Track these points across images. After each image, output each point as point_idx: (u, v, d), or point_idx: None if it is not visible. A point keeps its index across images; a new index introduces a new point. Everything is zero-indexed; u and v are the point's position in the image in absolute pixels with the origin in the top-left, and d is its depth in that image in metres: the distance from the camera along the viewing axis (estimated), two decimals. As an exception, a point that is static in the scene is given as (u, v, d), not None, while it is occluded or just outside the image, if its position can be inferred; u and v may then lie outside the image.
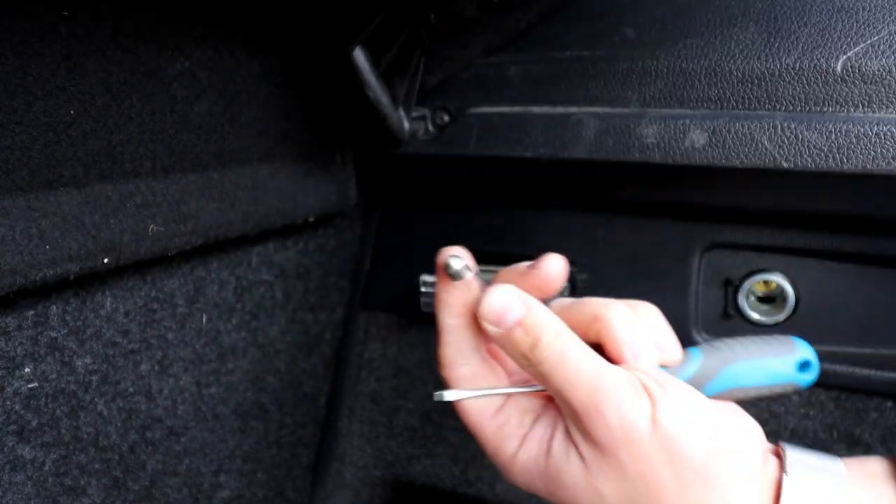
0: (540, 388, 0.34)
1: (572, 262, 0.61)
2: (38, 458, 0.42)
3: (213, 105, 0.46)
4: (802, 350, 0.39)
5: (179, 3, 0.41)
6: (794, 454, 0.33)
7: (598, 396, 0.31)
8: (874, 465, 0.33)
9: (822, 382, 0.56)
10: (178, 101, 0.43)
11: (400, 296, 0.72)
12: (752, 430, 0.35)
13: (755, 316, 0.57)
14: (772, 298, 0.57)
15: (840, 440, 0.58)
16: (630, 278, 0.60)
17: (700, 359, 0.37)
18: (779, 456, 0.34)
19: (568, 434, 0.33)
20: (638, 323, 0.35)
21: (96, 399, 0.45)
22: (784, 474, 0.32)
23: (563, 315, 0.35)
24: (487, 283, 0.36)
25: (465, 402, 0.34)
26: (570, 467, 0.32)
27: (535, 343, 0.32)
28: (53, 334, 0.41)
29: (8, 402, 0.39)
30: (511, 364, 0.38)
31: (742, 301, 0.57)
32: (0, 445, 0.39)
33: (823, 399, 0.58)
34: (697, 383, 0.36)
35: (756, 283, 0.57)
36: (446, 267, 0.35)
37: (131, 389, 0.48)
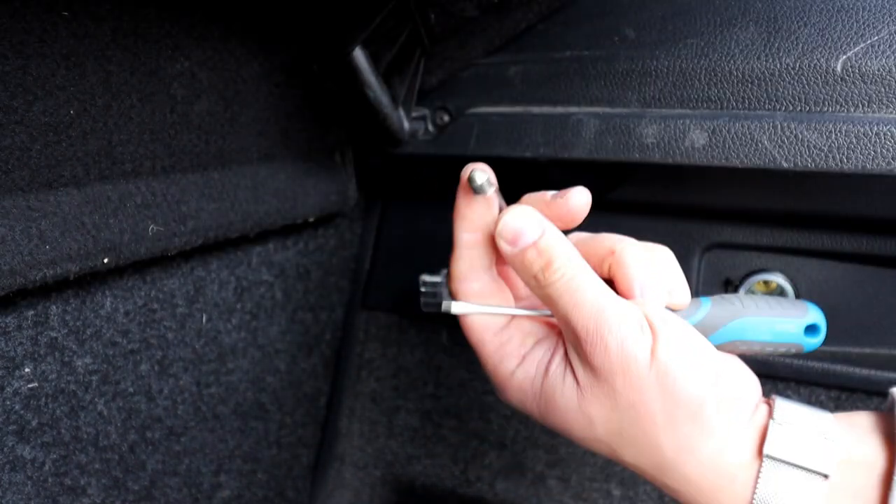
0: (545, 313, 0.35)
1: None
2: (37, 458, 0.42)
3: (213, 105, 0.46)
4: (813, 314, 0.39)
5: (179, 3, 0.41)
6: (783, 403, 0.34)
7: (602, 323, 0.31)
8: (861, 418, 0.33)
9: (822, 382, 0.56)
10: (178, 101, 0.43)
11: (400, 296, 0.72)
12: (748, 379, 0.35)
13: (755, 316, 0.57)
14: (772, 298, 0.57)
15: (840, 440, 0.58)
16: (630, 278, 0.60)
17: (708, 308, 0.38)
18: (770, 406, 0.34)
19: (566, 359, 0.33)
20: (651, 263, 0.35)
21: (96, 399, 0.45)
22: (771, 420, 0.32)
23: (579, 247, 0.35)
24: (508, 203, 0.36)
25: (471, 317, 0.35)
26: (564, 390, 0.33)
27: (547, 265, 0.32)
28: (53, 334, 0.41)
29: (8, 402, 0.39)
30: (519, 288, 0.38)
31: (742, 301, 0.57)
32: (0, 445, 0.39)
33: (823, 399, 0.58)
34: (703, 331, 0.37)
35: (756, 283, 0.57)
36: (470, 180, 0.35)
37: (131, 389, 0.48)
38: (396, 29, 0.48)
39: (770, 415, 0.33)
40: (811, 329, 0.39)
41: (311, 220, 0.58)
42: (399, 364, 0.75)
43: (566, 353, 0.34)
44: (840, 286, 0.55)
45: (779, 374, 0.57)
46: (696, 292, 0.58)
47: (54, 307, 0.41)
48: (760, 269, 0.56)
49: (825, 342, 0.57)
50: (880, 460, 0.30)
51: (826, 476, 0.30)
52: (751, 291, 0.57)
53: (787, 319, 0.38)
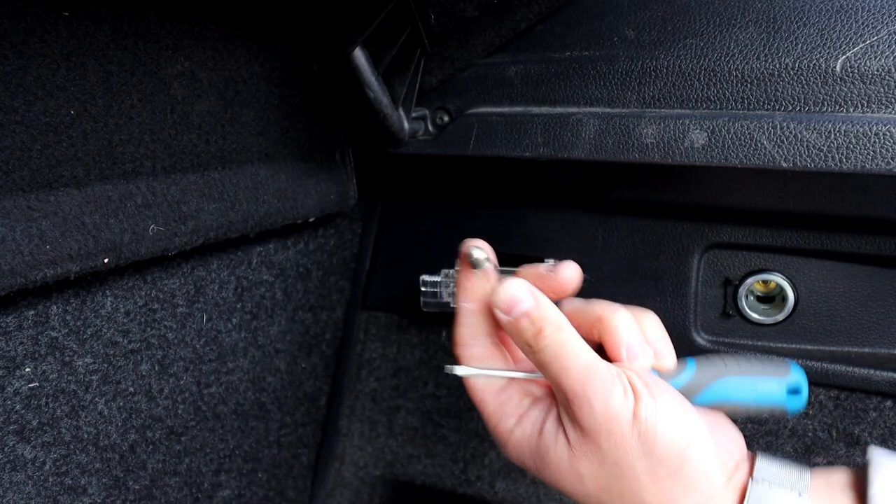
0: (539, 376, 0.38)
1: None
2: (38, 458, 0.42)
3: (213, 105, 0.46)
4: (796, 375, 0.40)
5: (179, 3, 0.41)
6: (762, 464, 0.36)
7: (588, 385, 0.34)
8: (838, 476, 0.36)
9: (822, 382, 0.56)
10: (178, 101, 0.43)
11: (400, 296, 0.72)
12: (731, 437, 0.38)
13: (754, 316, 0.57)
14: (771, 298, 0.57)
15: (839, 439, 0.58)
16: (630, 278, 0.60)
17: (693, 370, 0.40)
18: (751, 462, 0.37)
19: (559, 419, 0.36)
20: (637, 328, 0.39)
21: (96, 399, 0.45)
22: (750, 478, 0.35)
23: (571, 314, 0.38)
24: (505, 275, 0.40)
25: (473, 379, 0.39)
26: (557, 448, 0.36)
27: (539, 332, 0.36)
28: (54, 334, 0.41)
29: (8, 402, 0.39)
30: (518, 352, 0.42)
31: (741, 301, 0.57)
32: (0, 445, 0.39)
33: (823, 398, 0.58)
34: (688, 392, 0.39)
35: (755, 283, 0.57)
36: (468, 256, 0.39)
37: (131, 389, 0.48)
38: (396, 29, 0.48)
39: (750, 473, 0.35)
40: (795, 391, 0.40)
41: (312, 220, 0.58)
42: (399, 364, 0.75)
43: (558, 414, 0.37)
44: (840, 286, 0.55)
45: (778, 374, 0.57)
46: (696, 292, 0.58)
47: (55, 307, 0.41)
48: (760, 269, 0.56)
49: (825, 342, 0.57)
50: None
51: None
52: (750, 291, 0.57)
53: (769, 378, 0.39)
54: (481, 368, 0.39)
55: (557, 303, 0.38)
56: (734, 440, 0.39)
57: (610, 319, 0.38)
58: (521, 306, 0.36)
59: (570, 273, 0.39)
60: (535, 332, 0.36)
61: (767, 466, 0.36)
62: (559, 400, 0.36)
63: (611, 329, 0.38)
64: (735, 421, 0.42)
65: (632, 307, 0.40)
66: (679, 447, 0.34)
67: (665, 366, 0.39)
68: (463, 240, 0.41)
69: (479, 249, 0.39)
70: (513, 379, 0.39)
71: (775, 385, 0.39)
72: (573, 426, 0.35)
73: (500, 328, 0.39)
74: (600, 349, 0.38)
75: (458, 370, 0.38)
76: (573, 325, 0.38)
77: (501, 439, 0.38)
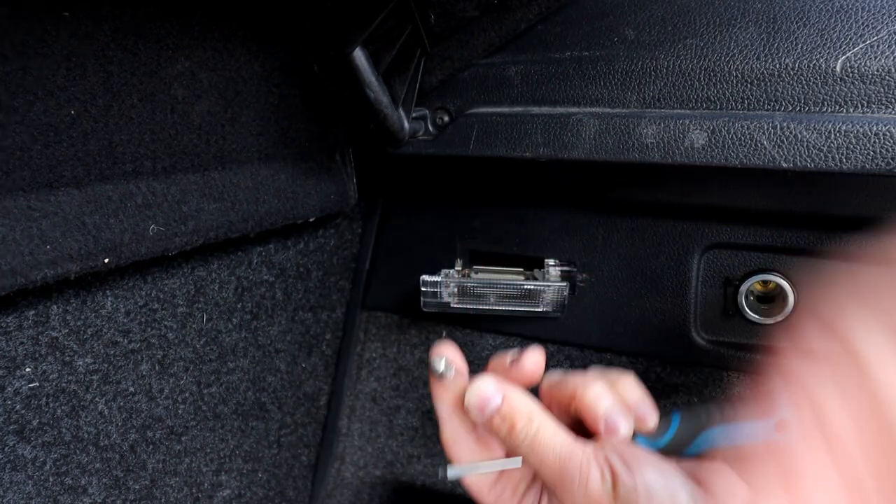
0: (519, 464, 0.39)
1: (572, 262, 0.62)
2: (38, 458, 0.42)
3: (213, 105, 0.46)
4: (784, 412, 0.39)
5: (179, 3, 0.41)
6: None
7: (565, 475, 0.35)
8: None
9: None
10: (178, 101, 0.43)
11: (400, 296, 0.72)
12: (731, 483, 0.38)
13: (754, 316, 0.57)
14: (771, 298, 0.57)
15: (839, 440, 0.58)
16: (630, 278, 0.60)
17: (676, 424, 0.40)
18: None
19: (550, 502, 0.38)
20: (613, 397, 0.39)
21: (97, 399, 0.45)
22: None
23: (550, 391, 0.40)
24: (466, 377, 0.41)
25: (468, 477, 0.40)
26: None
27: (511, 429, 0.37)
28: (54, 334, 0.41)
29: (8, 402, 0.39)
30: None
31: (741, 301, 0.57)
32: (1, 445, 0.40)
33: (823, 399, 0.58)
34: (676, 447, 0.39)
35: (755, 283, 0.57)
36: (431, 368, 0.41)
37: (132, 389, 0.48)
38: (396, 29, 0.48)
39: None
40: (782, 426, 0.40)
41: (312, 220, 0.58)
42: (399, 364, 0.75)
43: (551, 501, 0.38)
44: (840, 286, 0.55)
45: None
46: (696, 292, 0.58)
47: (55, 307, 0.41)
48: (760, 268, 0.56)
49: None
50: None
51: None
52: (750, 291, 0.57)
53: (755, 422, 0.39)
54: (470, 466, 0.39)
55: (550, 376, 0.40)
56: (731, 489, 0.38)
57: (583, 395, 0.38)
58: (490, 405, 0.37)
59: (532, 360, 0.40)
60: (507, 428, 0.37)
61: None
62: (545, 486, 0.38)
63: (585, 405, 0.38)
64: None
65: (608, 372, 0.41)
66: None
67: (648, 428, 0.40)
68: (435, 345, 0.42)
69: (439, 359, 0.40)
70: (504, 469, 0.40)
71: (762, 426, 0.40)
72: None
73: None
74: (581, 423, 0.39)
75: (450, 473, 0.39)
76: (552, 402, 0.40)
77: None
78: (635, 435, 0.40)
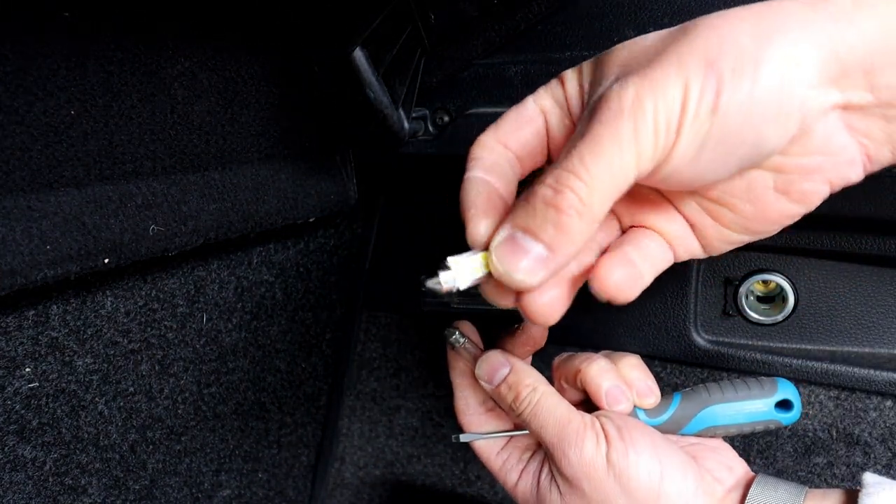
0: (527, 432, 0.42)
1: (572, 262, 0.62)
2: (38, 458, 0.42)
3: (213, 105, 0.46)
4: (784, 391, 0.42)
5: (179, 3, 0.41)
6: (756, 489, 0.38)
7: (563, 438, 0.38)
8: (832, 497, 0.37)
9: (822, 382, 0.56)
10: (178, 101, 0.43)
11: (400, 296, 0.72)
12: (722, 465, 0.40)
13: (754, 316, 0.57)
14: (771, 298, 0.57)
15: (839, 439, 0.58)
16: (630, 278, 0.60)
17: (677, 403, 0.43)
18: (747, 489, 0.38)
19: (551, 470, 0.40)
20: (616, 373, 0.42)
21: (97, 399, 0.45)
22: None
23: (559, 367, 0.44)
24: (478, 351, 0.45)
25: (477, 443, 0.43)
26: (552, 497, 0.39)
27: (516, 397, 0.40)
28: (54, 334, 0.41)
29: (8, 402, 0.39)
30: None
31: (742, 301, 0.57)
32: (0, 445, 0.40)
33: (823, 398, 0.58)
34: (676, 424, 0.42)
35: (756, 283, 0.57)
36: (445, 338, 0.45)
37: (132, 389, 0.48)
38: (396, 29, 0.48)
39: (742, 499, 0.37)
40: (783, 405, 0.41)
41: (312, 220, 0.58)
42: (399, 364, 0.75)
43: (555, 473, 0.40)
44: (840, 286, 0.55)
45: (779, 374, 0.57)
46: (696, 292, 0.58)
47: (55, 307, 0.41)
48: (760, 269, 0.57)
49: (825, 342, 0.57)
50: None
51: None
52: (750, 291, 0.57)
53: (754, 401, 0.42)
54: (480, 434, 0.43)
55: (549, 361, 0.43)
56: (727, 465, 0.41)
57: (587, 370, 0.41)
58: (499, 375, 0.41)
59: (535, 328, 0.44)
60: (513, 396, 0.40)
61: (761, 491, 0.38)
62: (546, 453, 0.40)
63: (589, 379, 0.41)
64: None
65: (613, 353, 0.43)
66: (653, 483, 0.37)
67: (648, 404, 0.42)
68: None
69: (452, 330, 0.45)
70: (512, 437, 0.43)
71: (761, 404, 0.42)
72: (559, 476, 0.39)
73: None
74: (587, 398, 0.42)
75: (462, 438, 0.43)
76: (562, 379, 0.43)
77: (510, 493, 0.42)
78: (637, 410, 0.42)
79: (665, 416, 0.42)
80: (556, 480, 0.39)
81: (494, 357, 0.42)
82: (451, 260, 0.32)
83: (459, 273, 0.31)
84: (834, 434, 0.58)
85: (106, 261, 0.39)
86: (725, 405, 0.42)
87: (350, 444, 0.77)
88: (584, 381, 0.42)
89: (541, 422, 0.39)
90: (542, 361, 0.47)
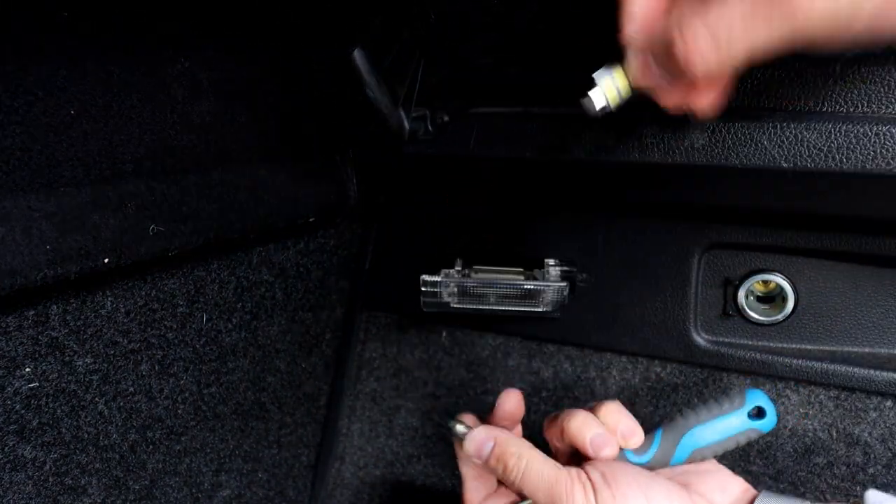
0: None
1: (572, 262, 0.62)
2: (38, 458, 0.42)
3: (213, 105, 0.46)
4: (753, 399, 0.44)
5: (179, 4, 0.41)
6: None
7: (554, 495, 0.40)
8: None
9: (822, 382, 0.56)
10: (179, 102, 0.43)
11: (400, 296, 0.72)
12: (718, 488, 0.43)
13: (754, 316, 0.57)
14: (771, 298, 0.57)
15: (839, 439, 0.58)
16: (630, 278, 0.60)
17: (660, 436, 0.45)
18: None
19: None
20: (597, 422, 0.44)
21: (97, 399, 0.45)
22: None
23: (546, 429, 0.47)
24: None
25: None
26: None
27: (504, 468, 0.42)
28: (54, 334, 0.41)
29: (8, 402, 0.39)
30: None
31: (742, 301, 0.57)
32: (0, 445, 0.40)
33: (823, 398, 0.58)
34: (664, 456, 0.44)
35: (756, 283, 0.57)
36: (453, 433, 0.46)
37: (132, 389, 0.48)
38: (396, 29, 0.48)
39: None
40: (757, 413, 0.42)
41: (311, 220, 0.58)
42: (399, 364, 0.75)
43: None
44: (840, 286, 0.55)
45: (779, 374, 0.57)
46: (696, 292, 0.58)
47: (55, 307, 0.41)
48: (760, 269, 0.57)
49: (825, 342, 0.57)
50: None
51: None
52: (750, 291, 0.57)
53: (727, 416, 0.44)
54: None
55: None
56: (721, 487, 0.43)
57: (569, 425, 0.44)
58: (486, 449, 0.44)
59: (508, 404, 0.47)
60: (502, 467, 0.43)
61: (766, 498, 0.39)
62: None
63: (573, 433, 0.44)
64: None
65: (596, 404, 0.46)
66: None
67: (634, 444, 0.44)
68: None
69: (456, 422, 0.47)
70: None
71: (734, 418, 0.43)
72: None
73: (492, 479, 0.47)
74: (575, 451, 0.45)
75: None
76: (553, 439, 0.46)
77: None
78: (625, 452, 0.44)
79: (651, 452, 0.44)
80: None
81: (478, 433, 0.45)
82: (596, 75, 0.35)
83: (606, 88, 0.35)
84: (834, 434, 0.58)
85: (106, 261, 0.39)
86: (703, 426, 0.44)
87: (350, 444, 0.77)
88: (569, 436, 0.44)
89: (533, 486, 0.41)
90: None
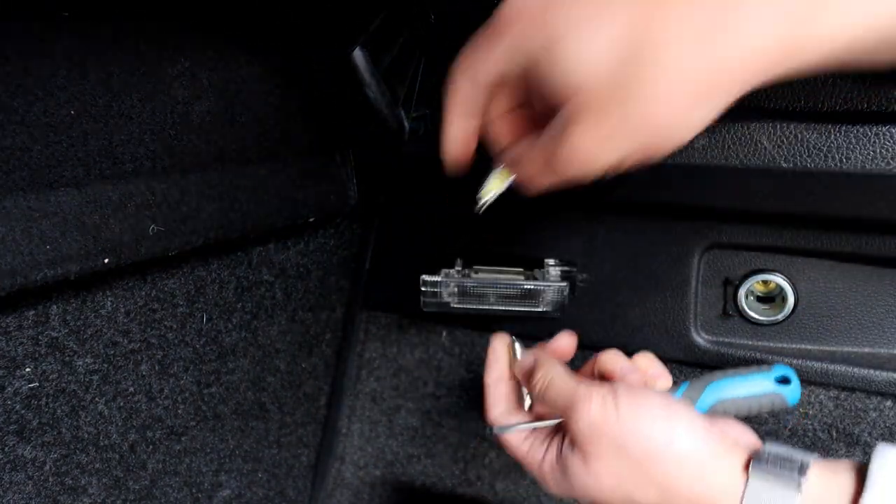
0: (551, 422, 0.47)
1: (572, 262, 0.62)
2: (38, 458, 0.42)
3: (213, 105, 0.46)
4: (781, 369, 0.45)
5: (179, 4, 0.41)
6: (770, 444, 0.39)
7: (576, 401, 0.41)
8: (843, 462, 0.38)
9: (822, 382, 0.56)
10: (178, 101, 0.43)
11: (400, 296, 0.72)
12: (734, 431, 0.43)
13: (754, 315, 0.57)
14: (771, 298, 0.57)
15: (839, 439, 0.58)
16: (630, 278, 0.60)
17: (685, 385, 0.46)
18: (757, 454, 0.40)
19: (571, 441, 0.43)
20: (627, 360, 0.48)
21: (97, 399, 0.45)
22: (757, 452, 0.39)
23: (579, 371, 0.51)
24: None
25: (505, 434, 0.48)
26: (573, 462, 0.42)
27: (536, 379, 0.46)
28: (54, 334, 0.41)
29: (8, 402, 0.39)
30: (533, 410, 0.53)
31: (741, 301, 0.57)
32: (1, 445, 0.40)
33: (823, 399, 0.58)
34: (689, 400, 0.45)
35: (755, 283, 0.57)
36: (512, 348, 0.52)
37: (132, 389, 0.48)
38: (396, 29, 0.48)
39: (749, 464, 0.39)
40: (783, 381, 0.43)
41: (311, 220, 0.58)
42: (399, 364, 0.75)
43: (571, 438, 0.43)
44: (840, 286, 0.55)
45: (778, 374, 0.57)
46: (696, 292, 0.58)
47: (55, 307, 0.41)
48: (760, 269, 0.57)
49: (824, 342, 0.57)
50: (850, 486, 0.36)
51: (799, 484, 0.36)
52: (750, 291, 0.57)
53: (756, 374, 0.45)
54: (511, 426, 0.49)
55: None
56: (742, 431, 0.43)
57: (601, 357, 0.48)
58: (527, 366, 0.48)
59: (562, 340, 0.51)
60: (532, 379, 0.46)
61: (774, 444, 0.39)
62: (565, 426, 0.44)
63: (602, 362, 0.48)
64: None
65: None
66: (658, 430, 0.39)
67: (660, 387, 0.46)
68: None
69: (510, 337, 0.52)
70: (534, 430, 0.49)
71: (763, 377, 0.45)
72: (576, 438, 0.41)
73: (514, 393, 0.51)
74: None
75: (495, 430, 0.49)
76: (587, 378, 0.48)
77: (538, 476, 0.46)
78: None
79: (676, 395, 0.45)
80: (575, 445, 0.42)
81: (526, 355, 0.49)
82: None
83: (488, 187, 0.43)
84: (834, 434, 0.58)
85: (106, 261, 0.39)
86: (728, 380, 0.45)
87: (350, 444, 0.78)
88: (599, 367, 0.48)
89: (554, 394, 0.44)
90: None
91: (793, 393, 0.44)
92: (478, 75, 0.38)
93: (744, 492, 0.37)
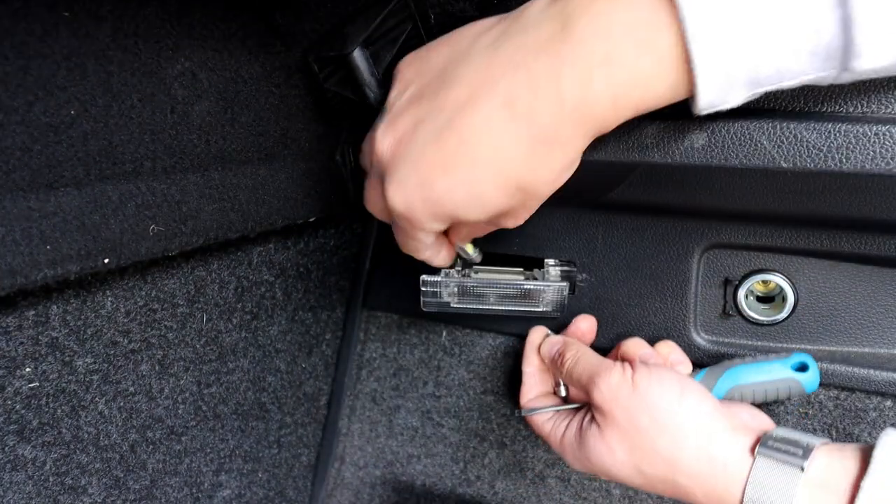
0: (573, 406, 0.52)
1: (572, 262, 0.62)
2: (38, 458, 0.42)
3: (213, 105, 0.46)
4: (800, 357, 0.46)
5: (179, 4, 0.41)
6: (777, 431, 0.41)
7: (595, 373, 0.46)
8: (851, 446, 0.40)
9: (822, 382, 0.56)
10: (178, 101, 0.43)
11: (400, 296, 0.72)
12: (748, 414, 0.46)
13: (754, 315, 0.57)
14: (771, 298, 0.57)
15: (839, 439, 0.58)
16: (630, 278, 0.60)
17: (704, 372, 0.48)
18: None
19: (591, 416, 0.46)
20: (649, 346, 0.52)
21: (97, 399, 0.45)
22: (765, 433, 0.41)
23: (610, 354, 0.55)
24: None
25: (535, 415, 0.54)
26: (591, 434, 0.45)
27: (563, 358, 0.52)
28: (54, 334, 0.41)
29: (8, 402, 0.39)
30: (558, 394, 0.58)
31: (741, 301, 0.57)
32: (1, 445, 0.40)
33: (823, 399, 0.58)
34: (706, 386, 0.46)
35: (755, 283, 0.57)
36: (544, 336, 0.58)
37: (132, 389, 0.48)
38: (396, 29, 0.48)
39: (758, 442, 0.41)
40: (802, 368, 0.44)
41: (312, 220, 0.58)
42: (399, 364, 0.75)
43: (592, 411, 0.47)
44: (840, 286, 0.55)
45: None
46: (696, 292, 0.58)
47: (55, 307, 0.41)
48: (760, 269, 0.57)
49: (824, 342, 0.57)
50: (854, 468, 0.37)
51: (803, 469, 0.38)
52: (750, 291, 0.57)
53: (774, 360, 0.46)
54: (536, 409, 0.54)
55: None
56: (754, 415, 0.45)
57: (625, 343, 0.53)
58: (554, 349, 0.54)
59: (583, 323, 0.58)
60: (561, 360, 0.52)
61: (784, 429, 0.42)
62: (589, 399, 0.47)
63: (625, 348, 0.53)
64: None
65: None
66: (673, 398, 0.42)
67: (682, 372, 0.48)
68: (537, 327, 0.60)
69: (549, 333, 0.58)
70: (558, 412, 0.54)
71: (780, 363, 0.46)
72: (596, 411, 0.45)
73: (543, 380, 0.57)
74: None
75: (524, 412, 0.54)
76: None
77: (559, 450, 0.50)
78: None
79: (696, 379, 0.47)
80: (594, 418, 0.45)
81: (554, 338, 0.55)
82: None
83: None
84: (834, 434, 0.58)
85: (106, 261, 0.39)
86: (746, 366, 0.46)
87: (350, 444, 0.78)
88: (623, 353, 0.52)
89: (580, 371, 0.48)
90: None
91: (810, 380, 0.45)
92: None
93: (749, 472, 0.38)
